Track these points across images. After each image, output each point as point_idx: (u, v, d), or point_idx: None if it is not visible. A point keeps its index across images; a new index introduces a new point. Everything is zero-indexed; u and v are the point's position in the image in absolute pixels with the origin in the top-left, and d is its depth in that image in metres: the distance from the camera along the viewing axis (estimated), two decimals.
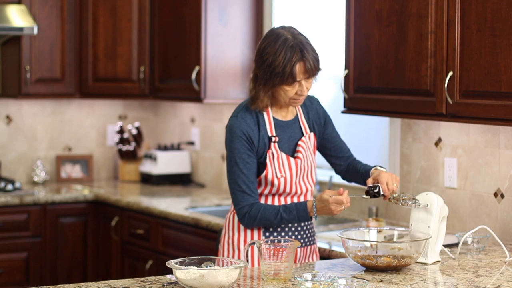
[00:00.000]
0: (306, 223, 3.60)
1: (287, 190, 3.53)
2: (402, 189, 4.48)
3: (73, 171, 6.13)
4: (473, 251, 3.64)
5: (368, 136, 4.78)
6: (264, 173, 3.48)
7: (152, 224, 5.09)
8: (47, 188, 5.76)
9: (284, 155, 3.51)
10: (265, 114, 3.51)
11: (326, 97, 4.90)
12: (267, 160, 3.48)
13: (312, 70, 3.40)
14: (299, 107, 3.61)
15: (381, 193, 3.40)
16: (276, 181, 3.50)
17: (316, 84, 3.53)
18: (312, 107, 3.65)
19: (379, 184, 3.40)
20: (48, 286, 3.02)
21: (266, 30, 5.37)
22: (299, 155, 3.54)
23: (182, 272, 2.88)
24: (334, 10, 4.92)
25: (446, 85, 3.71)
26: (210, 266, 2.96)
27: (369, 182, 3.46)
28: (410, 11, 3.88)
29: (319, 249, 3.91)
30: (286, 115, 3.57)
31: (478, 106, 3.60)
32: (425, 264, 3.38)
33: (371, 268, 3.24)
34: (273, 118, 3.53)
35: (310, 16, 5.13)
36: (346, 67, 4.24)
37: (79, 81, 5.79)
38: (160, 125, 6.37)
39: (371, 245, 3.26)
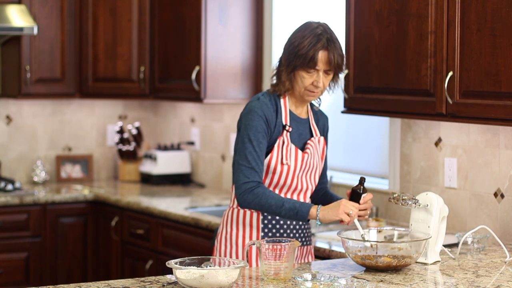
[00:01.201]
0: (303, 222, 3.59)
1: (288, 182, 3.52)
2: (402, 189, 4.48)
3: (73, 171, 6.13)
4: (473, 251, 3.64)
5: (368, 136, 4.78)
6: (268, 158, 3.49)
7: (152, 224, 5.09)
8: (47, 188, 5.76)
9: (293, 146, 3.53)
10: (282, 103, 3.54)
11: (326, 97, 4.88)
12: (275, 145, 3.50)
13: (334, 64, 3.45)
14: (311, 111, 3.65)
15: (363, 193, 3.39)
16: (279, 168, 3.49)
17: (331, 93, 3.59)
18: (321, 118, 3.72)
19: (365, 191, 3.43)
20: (48, 286, 3.02)
21: (266, 30, 5.38)
22: (307, 151, 3.56)
23: (182, 272, 2.88)
24: (334, 10, 4.92)
25: (446, 85, 3.71)
26: (210, 266, 2.96)
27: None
28: (410, 11, 3.88)
29: (319, 249, 3.91)
30: (300, 113, 3.61)
31: (478, 106, 3.60)
32: (425, 264, 3.38)
33: (371, 268, 3.24)
34: (289, 110, 3.56)
35: (310, 16, 5.12)
36: (346, 67, 4.24)
37: (79, 81, 5.79)
38: (160, 125, 6.37)
39: (371, 245, 3.26)
